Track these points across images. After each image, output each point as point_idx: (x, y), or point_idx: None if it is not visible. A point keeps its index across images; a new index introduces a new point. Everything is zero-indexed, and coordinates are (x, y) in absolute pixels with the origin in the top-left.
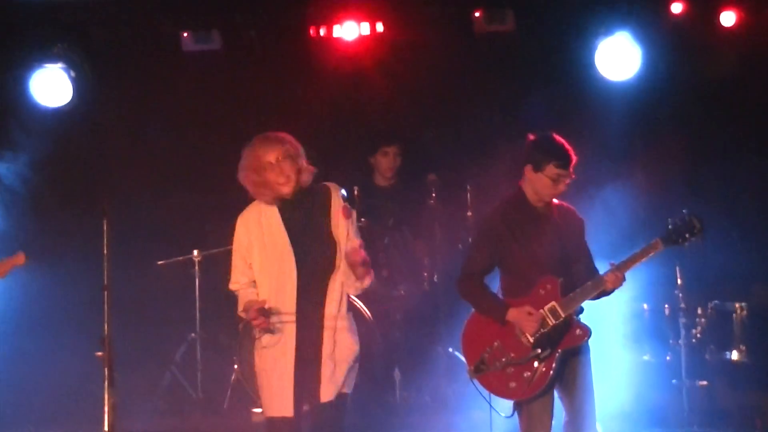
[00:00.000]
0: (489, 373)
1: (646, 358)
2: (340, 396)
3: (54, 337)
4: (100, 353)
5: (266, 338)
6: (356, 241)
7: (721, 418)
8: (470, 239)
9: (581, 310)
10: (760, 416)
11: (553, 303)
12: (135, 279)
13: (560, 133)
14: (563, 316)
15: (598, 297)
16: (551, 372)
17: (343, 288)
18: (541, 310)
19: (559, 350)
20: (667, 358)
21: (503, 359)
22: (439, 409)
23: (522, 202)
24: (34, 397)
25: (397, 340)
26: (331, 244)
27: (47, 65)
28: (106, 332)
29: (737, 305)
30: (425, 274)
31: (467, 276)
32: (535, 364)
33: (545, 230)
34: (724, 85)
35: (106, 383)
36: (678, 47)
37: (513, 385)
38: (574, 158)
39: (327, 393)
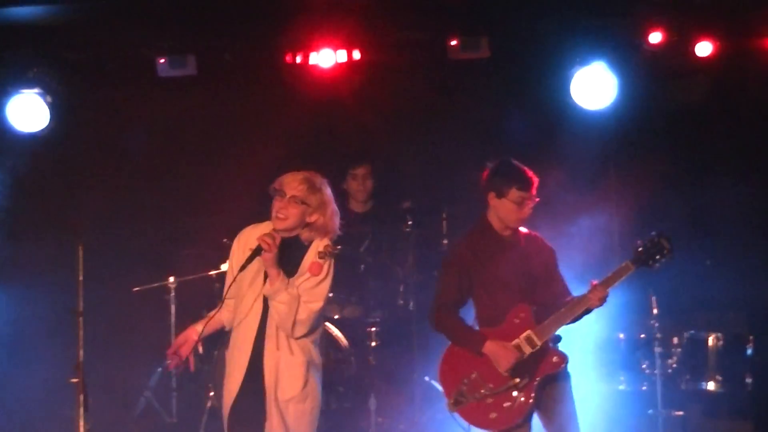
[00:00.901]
0: (468, 405)
1: (621, 387)
2: None
3: (27, 363)
4: (74, 379)
5: (227, 356)
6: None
7: None
8: (439, 272)
9: (559, 339)
10: None
11: (529, 331)
12: (110, 304)
13: (535, 160)
14: (539, 344)
15: (577, 319)
16: (530, 400)
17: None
18: (517, 340)
19: (538, 378)
20: (643, 387)
21: (482, 390)
22: None
23: (488, 230)
24: (7, 423)
25: (372, 367)
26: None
27: (23, 90)
28: (80, 358)
29: (712, 335)
30: (401, 300)
31: (439, 308)
32: (515, 393)
33: (512, 257)
34: (698, 114)
35: (81, 409)
36: (653, 77)
37: (494, 415)
38: (535, 180)
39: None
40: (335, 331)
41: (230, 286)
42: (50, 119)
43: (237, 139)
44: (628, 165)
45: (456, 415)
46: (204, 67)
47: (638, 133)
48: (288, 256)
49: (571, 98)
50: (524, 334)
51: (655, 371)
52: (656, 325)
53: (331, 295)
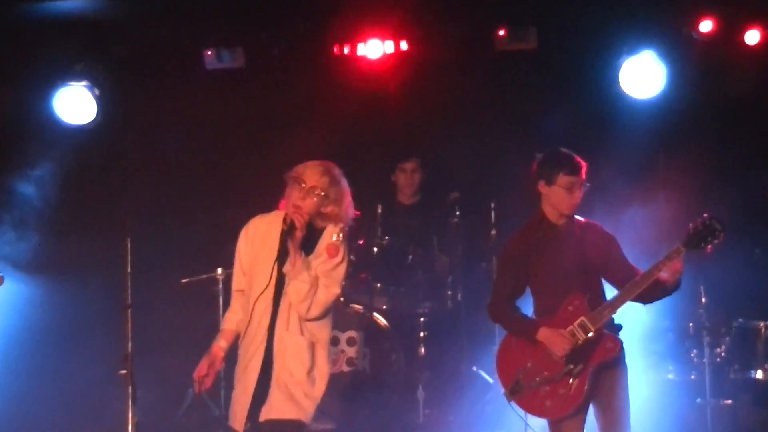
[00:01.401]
0: (525, 394)
1: (670, 377)
2: (275, 422)
3: (77, 356)
4: (123, 371)
5: (241, 352)
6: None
7: None
8: (487, 264)
9: (619, 328)
10: None
11: (582, 318)
12: (158, 297)
13: (583, 151)
14: (592, 330)
15: (652, 299)
16: (585, 386)
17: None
18: (571, 326)
19: (592, 364)
20: (692, 377)
21: (537, 378)
22: (462, 428)
23: (543, 221)
24: (57, 416)
25: (421, 358)
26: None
27: (71, 83)
28: (128, 350)
29: (761, 324)
30: (449, 291)
31: (496, 301)
32: (570, 380)
33: (567, 246)
34: (747, 103)
35: (130, 401)
36: (702, 66)
37: (549, 403)
38: (583, 164)
39: (264, 413)
40: (384, 322)
41: (240, 277)
42: (98, 112)
43: (284, 132)
44: (677, 155)
45: (513, 404)
46: (251, 59)
47: (687, 122)
48: (304, 244)
49: (620, 88)
50: (578, 321)
51: (704, 360)
52: (705, 314)
53: (379, 285)
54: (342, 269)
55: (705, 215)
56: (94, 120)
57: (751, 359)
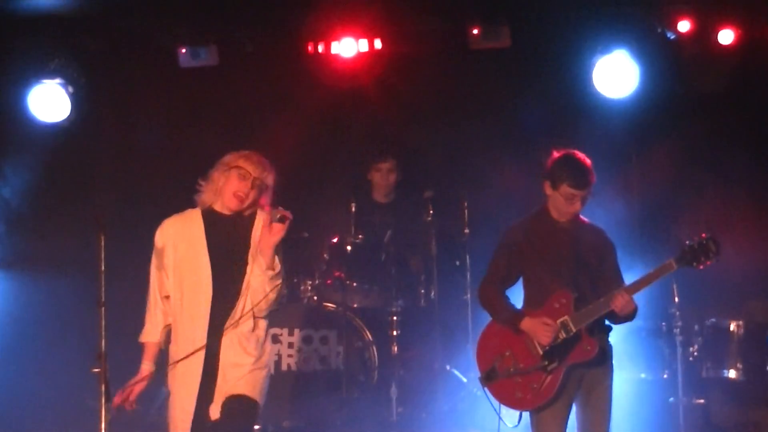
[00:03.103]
0: (498, 383)
1: (642, 375)
2: (237, 399)
3: (50, 353)
4: (96, 369)
5: (174, 358)
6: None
7: None
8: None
9: (609, 329)
10: None
11: (566, 317)
12: (131, 294)
13: (556, 149)
14: (574, 330)
15: (617, 321)
16: (557, 384)
17: (251, 310)
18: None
19: (567, 364)
20: (664, 375)
21: (512, 368)
22: (435, 426)
23: (545, 216)
24: (31, 413)
25: (394, 356)
26: (243, 267)
27: (45, 80)
28: (102, 348)
29: (734, 323)
30: (422, 290)
31: (487, 283)
32: (543, 375)
33: (565, 244)
34: (720, 102)
35: (103, 399)
36: (676, 65)
37: (519, 395)
38: (592, 179)
39: (215, 412)
40: (357, 321)
41: (164, 281)
42: (71, 109)
43: (258, 129)
44: (650, 153)
45: (486, 390)
46: (225, 57)
47: (660, 121)
48: (238, 231)
49: (593, 87)
50: (561, 319)
51: (676, 359)
52: (677, 313)
53: (355, 285)
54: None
55: (703, 235)
56: (68, 117)
57: (723, 358)
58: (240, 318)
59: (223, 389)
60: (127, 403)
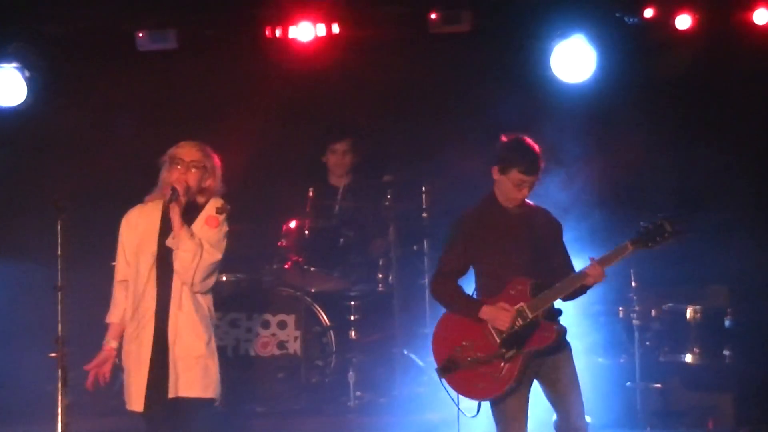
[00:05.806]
0: (457, 374)
1: (600, 360)
2: (185, 400)
3: (7, 337)
4: (54, 354)
5: (128, 337)
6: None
7: (675, 420)
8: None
9: (559, 313)
10: (713, 417)
11: (522, 304)
12: (89, 279)
13: (515, 134)
14: (530, 317)
15: (574, 296)
16: (516, 372)
17: (188, 289)
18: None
19: (525, 351)
20: (621, 360)
21: (469, 359)
22: (394, 411)
23: (493, 203)
24: None
25: (352, 341)
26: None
27: (1, 65)
28: (59, 333)
29: (691, 308)
30: (380, 275)
31: (440, 276)
32: (502, 364)
33: (517, 231)
34: (679, 87)
35: (60, 384)
36: (634, 50)
37: (480, 385)
38: (541, 164)
39: (172, 390)
40: (316, 305)
41: (124, 267)
42: (28, 94)
43: (217, 114)
44: (609, 139)
45: (444, 381)
46: (184, 41)
47: (619, 106)
48: (187, 218)
49: (551, 72)
50: (517, 306)
51: (634, 344)
52: (635, 297)
53: (313, 269)
54: (222, 236)
55: (659, 215)
56: (24, 102)
57: (680, 343)
58: (181, 298)
59: (179, 373)
60: (101, 377)
